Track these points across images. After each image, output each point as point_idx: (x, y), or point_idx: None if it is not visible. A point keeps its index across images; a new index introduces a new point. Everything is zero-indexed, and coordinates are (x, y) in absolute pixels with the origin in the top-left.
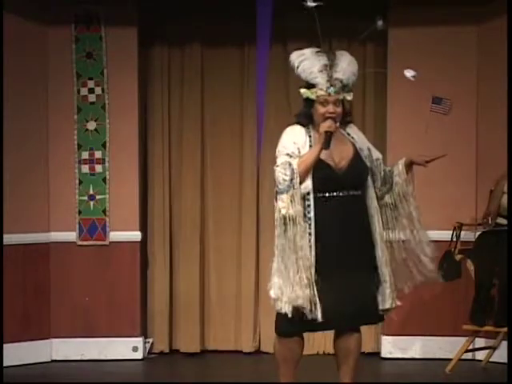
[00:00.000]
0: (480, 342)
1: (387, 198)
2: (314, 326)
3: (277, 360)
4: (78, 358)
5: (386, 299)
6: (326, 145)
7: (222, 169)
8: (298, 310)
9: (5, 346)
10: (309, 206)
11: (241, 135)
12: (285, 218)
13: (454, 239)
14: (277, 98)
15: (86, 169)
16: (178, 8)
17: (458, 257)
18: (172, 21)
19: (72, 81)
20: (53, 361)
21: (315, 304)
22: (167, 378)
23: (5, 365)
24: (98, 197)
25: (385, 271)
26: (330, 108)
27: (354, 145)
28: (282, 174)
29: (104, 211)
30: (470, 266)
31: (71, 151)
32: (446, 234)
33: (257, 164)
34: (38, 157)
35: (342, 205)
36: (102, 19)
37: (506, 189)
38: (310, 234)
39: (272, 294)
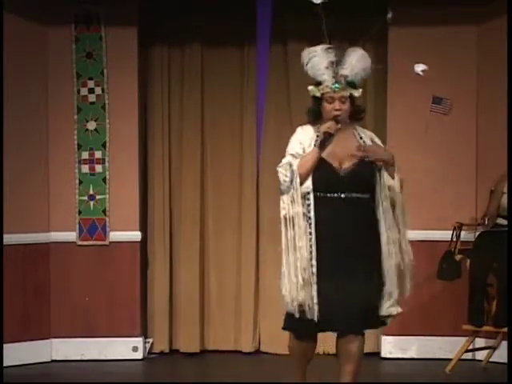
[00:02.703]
0: (480, 342)
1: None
2: (316, 326)
3: (290, 354)
4: (78, 358)
5: (388, 305)
6: (320, 145)
7: (222, 169)
8: (301, 310)
9: (5, 346)
10: (309, 205)
11: (241, 135)
12: (285, 219)
13: (454, 239)
14: (277, 98)
15: (86, 169)
16: (177, 8)
17: (458, 257)
18: (172, 21)
19: (72, 81)
20: (53, 361)
21: (313, 305)
22: (167, 378)
23: (5, 365)
24: (98, 197)
25: (388, 276)
26: (336, 105)
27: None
28: (282, 175)
29: (104, 211)
30: (469, 265)
31: (71, 151)
32: (446, 234)
33: (257, 164)
34: (38, 157)
35: (343, 206)
36: (101, 19)
37: (505, 189)
38: (310, 233)
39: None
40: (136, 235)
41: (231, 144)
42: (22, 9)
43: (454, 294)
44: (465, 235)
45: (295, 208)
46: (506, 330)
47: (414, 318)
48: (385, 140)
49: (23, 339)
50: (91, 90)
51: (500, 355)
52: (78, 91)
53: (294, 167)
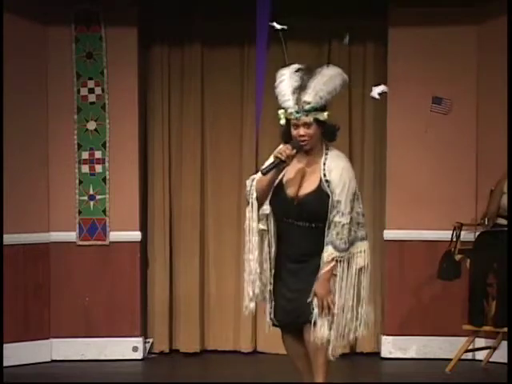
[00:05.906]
0: (480, 341)
1: None
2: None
3: None
4: (78, 358)
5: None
6: (264, 170)
7: (221, 169)
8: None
9: (5, 345)
10: (268, 225)
11: (241, 135)
12: (245, 230)
13: (454, 239)
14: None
15: (86, 169)
16: (177, 8)
17: (458, 257)
18: (172, 21)
19: (72, 81)
20: (53, 361)
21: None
22: (167, 378)
23: (5, 365)
24: (98, 197)
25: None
26: (301, 131)
27: (321, 177)
28: (246, 188)
29: (104, 211)
30: (469, 265)
31: (71, 151)
32: (446, 234)
33: (256, 164)
34: (38, 157)
35: (295, 231)
36: (101, 19)
37: (506, 189)
38: (269, 252)
39: None
40: (136, 235)
41: (231, 144)
42: (22, 9)
43: (454, 293)
44: (465, 235)
45: (250, 222)
46: (505, 330)
47: (414, 318)
48: (385, 140)
49: (23, 339)
50: (91, 90)
51: (500, 355)
52: (78, 91)
53: (254, 182)
